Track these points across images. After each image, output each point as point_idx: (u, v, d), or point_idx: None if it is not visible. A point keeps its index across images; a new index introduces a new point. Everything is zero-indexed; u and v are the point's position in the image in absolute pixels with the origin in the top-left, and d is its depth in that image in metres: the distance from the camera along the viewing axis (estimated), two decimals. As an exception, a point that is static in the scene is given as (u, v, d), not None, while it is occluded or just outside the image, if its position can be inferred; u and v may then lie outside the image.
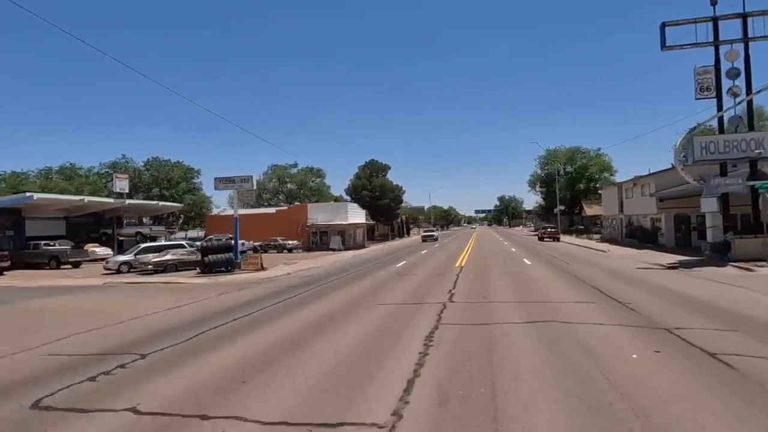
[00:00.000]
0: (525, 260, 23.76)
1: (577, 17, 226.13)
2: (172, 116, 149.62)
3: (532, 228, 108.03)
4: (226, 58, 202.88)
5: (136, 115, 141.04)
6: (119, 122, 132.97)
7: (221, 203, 71.00)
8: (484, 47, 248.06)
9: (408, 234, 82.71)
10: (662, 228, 32.56)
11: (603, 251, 29.98)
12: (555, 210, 78.35)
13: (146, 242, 31.59)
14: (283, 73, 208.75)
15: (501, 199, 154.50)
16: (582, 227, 62.94)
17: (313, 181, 70.26)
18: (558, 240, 48.65)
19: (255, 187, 25.58)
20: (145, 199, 42.53)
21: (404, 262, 25.75)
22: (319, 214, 44.16)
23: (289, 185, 71.31)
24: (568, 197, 70.62)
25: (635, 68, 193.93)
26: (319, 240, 44.27)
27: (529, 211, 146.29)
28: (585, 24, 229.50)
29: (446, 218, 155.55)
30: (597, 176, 69.04)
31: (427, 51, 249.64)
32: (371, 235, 68.72)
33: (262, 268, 23.41)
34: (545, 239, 49.36)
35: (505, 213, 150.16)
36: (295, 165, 72.04)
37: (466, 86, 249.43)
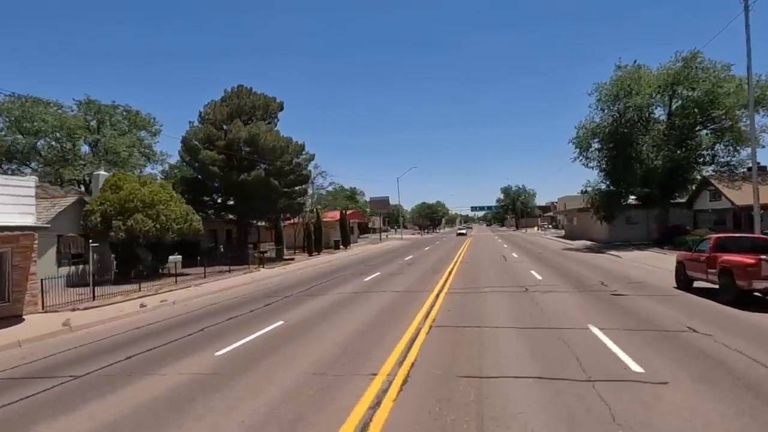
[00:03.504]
0: None
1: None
2: None
3: (559, 232, 69.47)
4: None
5: None
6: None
7: None
8: (475, 39, 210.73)
9: (344, 246, 44.02)
10: None
11: None
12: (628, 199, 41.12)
13: None
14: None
15: (506, 191, 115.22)
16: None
17: (115, 125, 32.76)
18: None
19: None
20: None
21: None
22: None
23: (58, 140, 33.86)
24: (658, 169, 32.81)
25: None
26: None
27: (544, 208, 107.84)
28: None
29: (431, 217, 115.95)
30: (731, 118, 31.24)
31: (414, 41, 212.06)
32: (230, 255, 30.60)
33: None
34: None
35: (512, 209, 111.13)
36: (82, 103, 34.90)
37: (458, 80, 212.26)
